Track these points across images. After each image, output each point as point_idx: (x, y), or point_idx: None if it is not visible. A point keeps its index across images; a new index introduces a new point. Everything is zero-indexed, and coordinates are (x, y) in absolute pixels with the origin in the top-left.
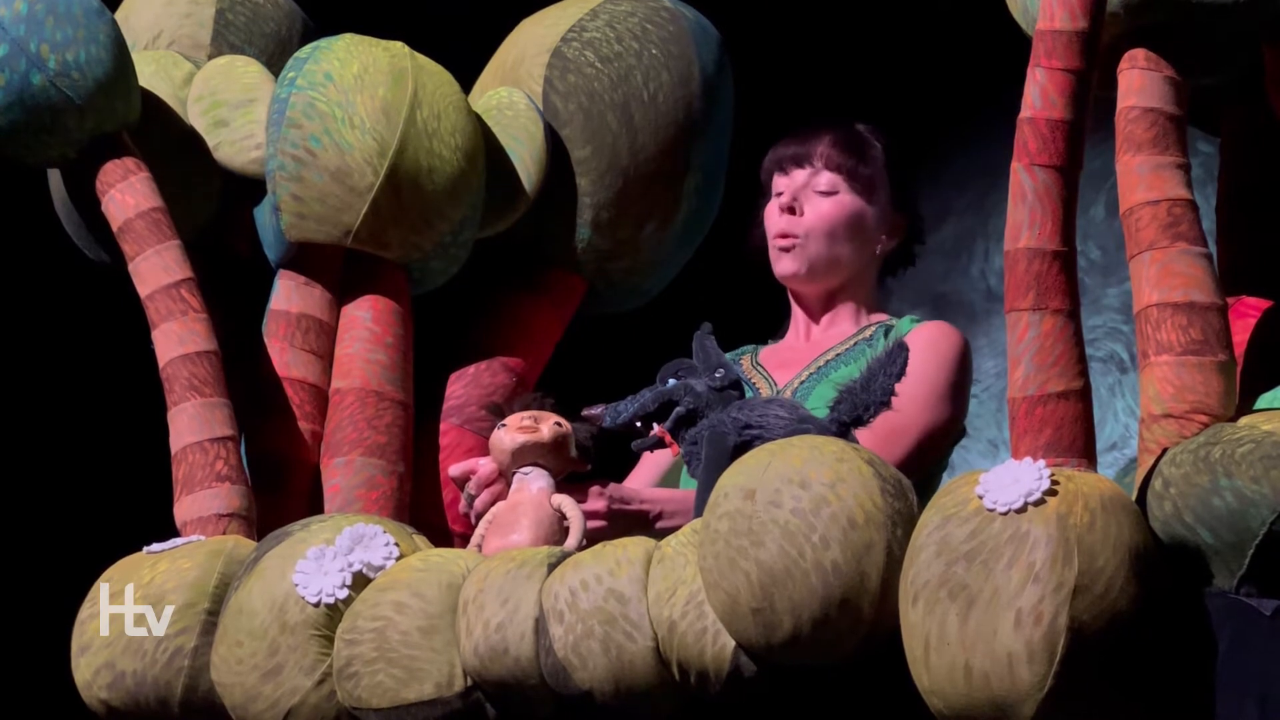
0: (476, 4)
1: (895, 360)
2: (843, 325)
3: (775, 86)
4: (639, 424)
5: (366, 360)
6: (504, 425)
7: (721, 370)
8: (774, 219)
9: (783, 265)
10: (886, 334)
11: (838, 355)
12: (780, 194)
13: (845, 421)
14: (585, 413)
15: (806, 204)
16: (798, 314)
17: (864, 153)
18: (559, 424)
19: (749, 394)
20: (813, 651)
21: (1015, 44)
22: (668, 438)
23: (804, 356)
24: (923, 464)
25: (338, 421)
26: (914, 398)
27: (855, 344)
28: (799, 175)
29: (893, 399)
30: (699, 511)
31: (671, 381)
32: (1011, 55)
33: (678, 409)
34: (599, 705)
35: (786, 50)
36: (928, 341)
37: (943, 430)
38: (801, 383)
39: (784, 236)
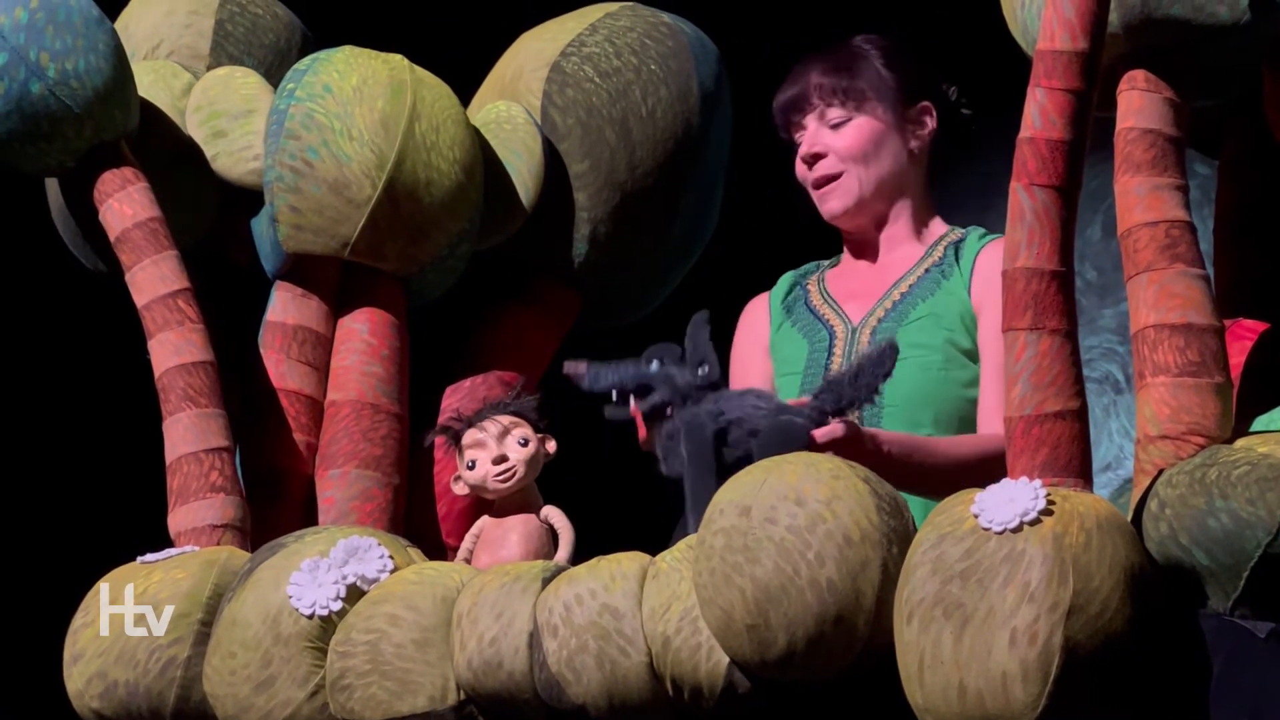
0: (475, 17)
1: (885, 361)
2: (906, 243)
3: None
4: (615, 395)
5: (362, 373)
6: (473, 464)
7: (706, 367)
8: (802, 172)
9: (829, 206)
10: (958, 254)
11: (911, 287)
12: (799, 146)
13: (826, 411)
14: (567, 368)
15: (825, 144)
16: (855, 241)
17: (854, 67)
18: (524, 441)
19: (822, 334)
20: (807, 668)
21: (1013, 64)
22: (639, 419)
23: (874, 285)
24: None
25: (333, 434)
26: None
27: (927, 270)
28: (807, 121)
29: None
30: (691, 505)
31: (655, 365)
32: (1009, 75)
33: (653, 396)
34: None
35: (784, 67)
36: None
37: None
38: (880, 321)
39: (818, 186)
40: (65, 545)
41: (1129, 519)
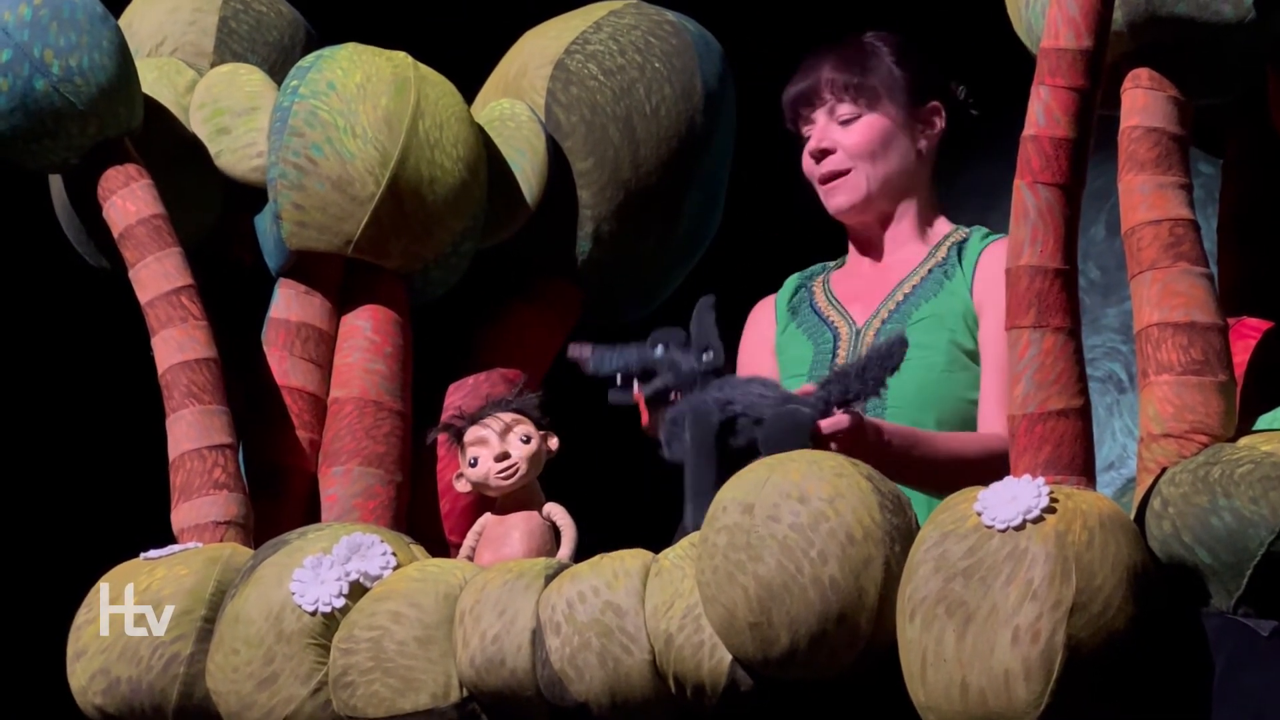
0: (479, 14)
1: (893, 354)
2: (910, 244)
3: (777, 101)
4: (619, 379)
5: (365, 370)
6: (475, 461)
7: (711, 352)
8: (810, 167)
9: (835, 201)
10: (960, 255)
11: (915, 288)
12: (808, 140)
13: (832, 402)
14: (572, 352)
15: (834, 140)
16: (860, 238)
17: (866, 64)
18: (526, 438)
19: (826, 336)
20: (810, 666)
21: (1016, 62)
22: (642, 405)
23: (878, 286)
24: None
25: (336, 431)
26: None
27: (930, 271)
28: (817, 115)
29: (1002, 345)
30: (690, 493)
31: (659, 350)
32: (1012, 74)
33: (656, 381)
34: (595, 717)
35: (788, 66)
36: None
37: None
38: (883, 322)
39: (825, 181)
40: (69, 542)
41: (1132, 517)
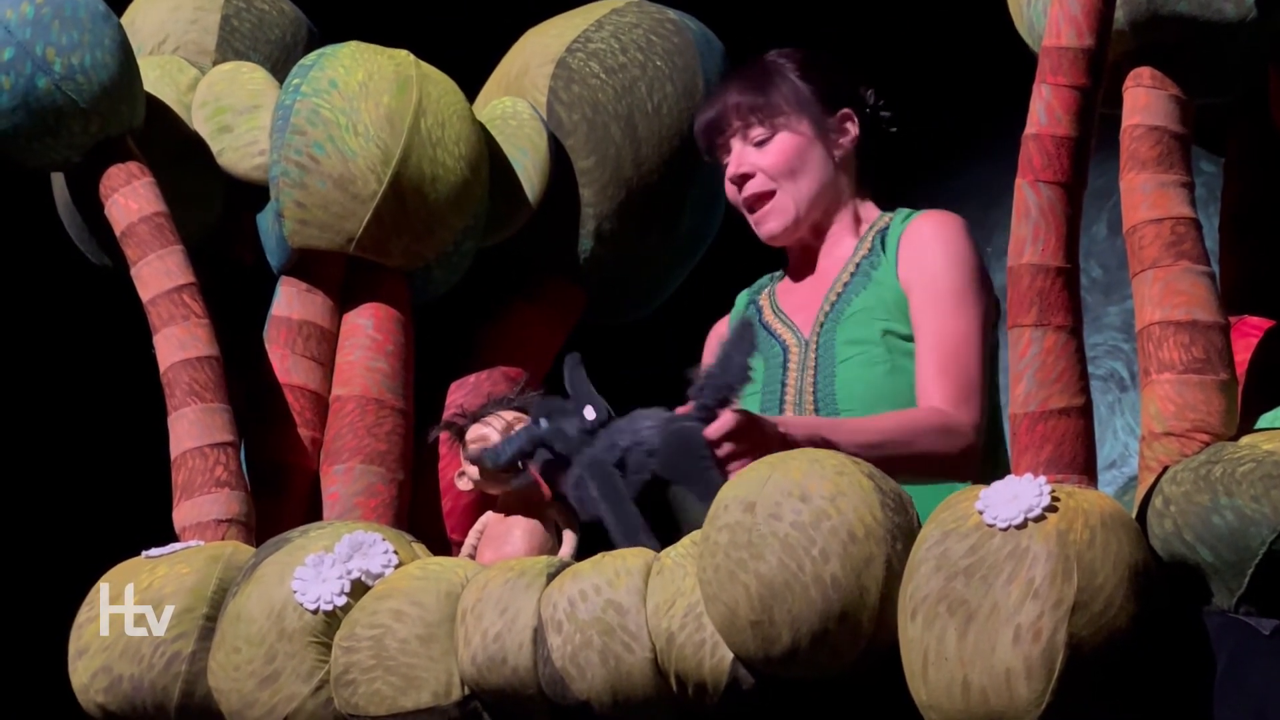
0: (481, 13)
1: (744, 337)
2: (843, 243)
3: None
4: (520, 464)
5: (367, 368)
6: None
7: (591, 409)
8: (734, 194)
9: (767, 228)
10: (883, 242)
11: (846, 285)
12: (726, 167)
13: (710, 406)
14: (465, 462)
15: (751, 163)
16: (795, 251)
17: (768, 83)
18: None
19: (776, 350)
20: (811, 665)
21: (1017, 61)
22: (539, 480)
23: (816, 291)
24: (988, 354)
25: (338, 429)
26: (951, 301)
27: (858, 265)
28: (731, 143)
29: (930, 318)
30: (623, 535)
31: (544, 423)
32: (1014, 73)
33: (544, 453)
34: (597, 716)
35: None
36: (933, 239)
37: (987, 317)
38: (822, 326)
39: (752, 208)
40: (70, 540)
41: (1133, 516)
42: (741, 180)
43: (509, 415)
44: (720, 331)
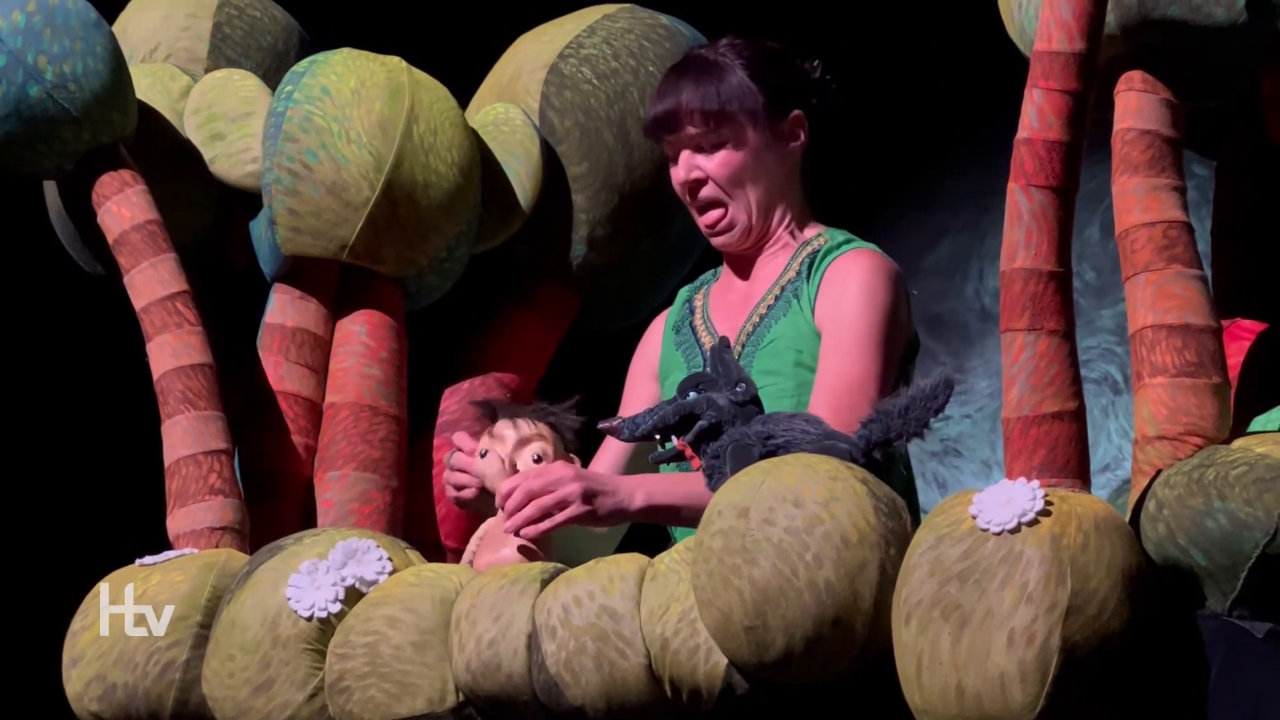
0: (473, 19)
1: (938, 395)
2: (779, 255)
3: None
4: (657, 436)
5: (361, 375)
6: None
7: (743, 385)
8: (680, 191)
9: (720, 240)
10: (810, 268)
11: (769, 308)
12: (675, 163)
13: (874, 441)
14: (601, 426)
15: (701, 168)
16: (732, 254)
17: (721, 88)
18: (538, 458)
19: (697, 358)
20: (805, 670)
21: (1010, 66)
22: (688, 451)
23: (742, 307)
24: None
25: (332, 436)
26: (856, 345)
27: (783, 289)
28: (680, 140)
29: (831, 358)
30: None
31: (693, 395)
32: (1006, 77)
33: (700, 422)
34: None
35: None
36: (851, 280)
37: (890, 363)
38: (743, 347)
39: (703, 211)
40: (64, 548)
41: (1127, 520)
42: (693, 186)
43: (533, 429)
44: (651, 336)
